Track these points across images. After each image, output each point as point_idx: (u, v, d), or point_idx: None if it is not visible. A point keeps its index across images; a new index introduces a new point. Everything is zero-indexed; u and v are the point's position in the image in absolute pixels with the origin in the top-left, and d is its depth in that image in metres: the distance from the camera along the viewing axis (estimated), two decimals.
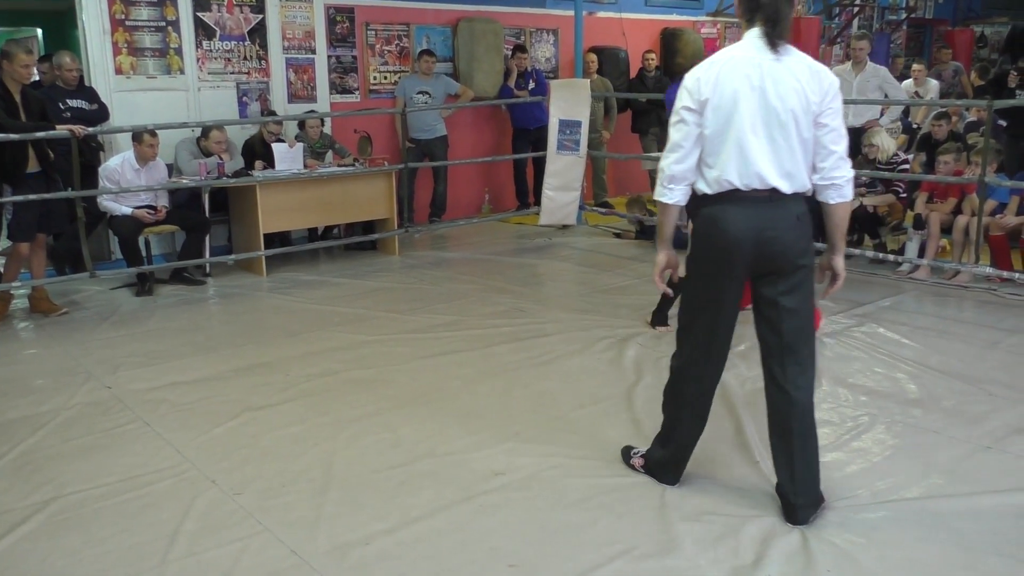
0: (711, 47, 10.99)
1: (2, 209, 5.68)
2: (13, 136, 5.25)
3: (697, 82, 2.70)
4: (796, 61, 2.69)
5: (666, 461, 3.16)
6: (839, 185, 2.75)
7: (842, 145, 2.74)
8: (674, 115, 2.74)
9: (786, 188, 2.70)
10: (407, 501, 3.13)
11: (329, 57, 8.02)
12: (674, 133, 2.77)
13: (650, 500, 3.09)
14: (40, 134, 5.41)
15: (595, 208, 8.57)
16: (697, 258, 2.85)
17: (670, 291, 3.16)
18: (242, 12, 7.43)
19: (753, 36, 2.70)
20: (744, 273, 2.80)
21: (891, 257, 6.43)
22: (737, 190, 2.71)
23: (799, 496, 2.87)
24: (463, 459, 3.46)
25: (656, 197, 2.83)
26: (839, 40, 12.06)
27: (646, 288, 6.11)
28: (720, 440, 3.55)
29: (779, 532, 2.86)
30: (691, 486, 3.18)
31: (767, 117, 2.65)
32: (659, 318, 5.11)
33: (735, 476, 3.27)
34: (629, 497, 3.12)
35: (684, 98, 2.73)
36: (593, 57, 8.94)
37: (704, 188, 2.77)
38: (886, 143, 6.65)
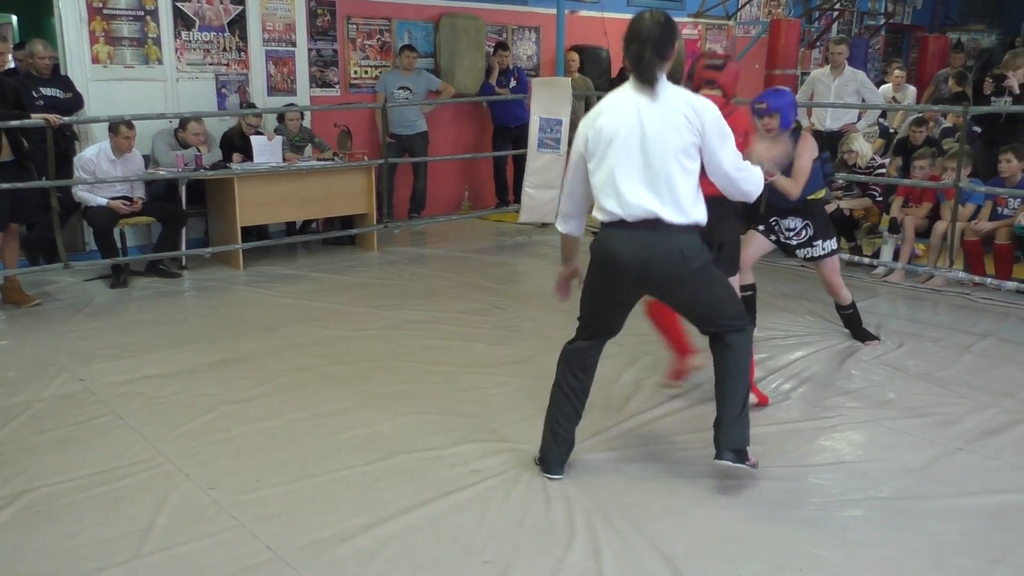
0: (692, 48, 11.03)
1: None
2: None
3: (588, 127, 3.00)
4: (673, 96, 2.91)
5: None
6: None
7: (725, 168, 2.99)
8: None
9: (667, 217, 2.92)
10: (383, 497, 3.12)
11: (310, 50, 7.97)
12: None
13: (627, 497, 3.11)
14: (14, 123, 5.34)
15: None
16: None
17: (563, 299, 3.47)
18: (222, 3, 7.36)
19: (631, 79, 2.96)
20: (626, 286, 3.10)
21: (866, 260, 6.50)
22: (619, 220, 3.02)
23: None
24: (439, 456, 3.46)
25: (563, 230, 3.21)
26: (818, 44, 12.16)
27: None
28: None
29: (751, 530, 2.88)
30: (666, 481, 3.20)
31: (647, 151, 2.88)
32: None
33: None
34: (603, 495, 3.13)
35: (575, 142, 3.09)
36: (575, 56, 8.95)
37: (602, 217, 3.09)
38: (864, 148, 6.72)
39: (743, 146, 3.32)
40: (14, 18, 10.80)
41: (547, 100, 7.53)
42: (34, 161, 5.58)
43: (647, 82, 2.89)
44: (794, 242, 4.74)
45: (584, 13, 9.83)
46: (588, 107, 9.05)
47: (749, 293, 4.69)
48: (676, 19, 10.20)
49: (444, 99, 8.49)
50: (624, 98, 2.94)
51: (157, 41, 7.08)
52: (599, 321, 3.25)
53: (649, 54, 2.85)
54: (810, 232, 4.66)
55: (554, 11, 8.50)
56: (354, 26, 8.27)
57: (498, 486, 3.20)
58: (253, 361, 4.57)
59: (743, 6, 11.37)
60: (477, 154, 8.88)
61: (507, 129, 8.72)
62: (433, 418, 3.83)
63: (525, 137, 7.75)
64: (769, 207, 4.73)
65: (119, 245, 6.37)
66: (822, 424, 3.78)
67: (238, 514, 2.99)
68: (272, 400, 4.04)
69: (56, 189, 5.70)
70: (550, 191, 7.64)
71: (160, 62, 7.12)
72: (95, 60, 6.81)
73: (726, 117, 3.08)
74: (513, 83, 8.73)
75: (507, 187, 8.94)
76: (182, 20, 7.18)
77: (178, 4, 7.13)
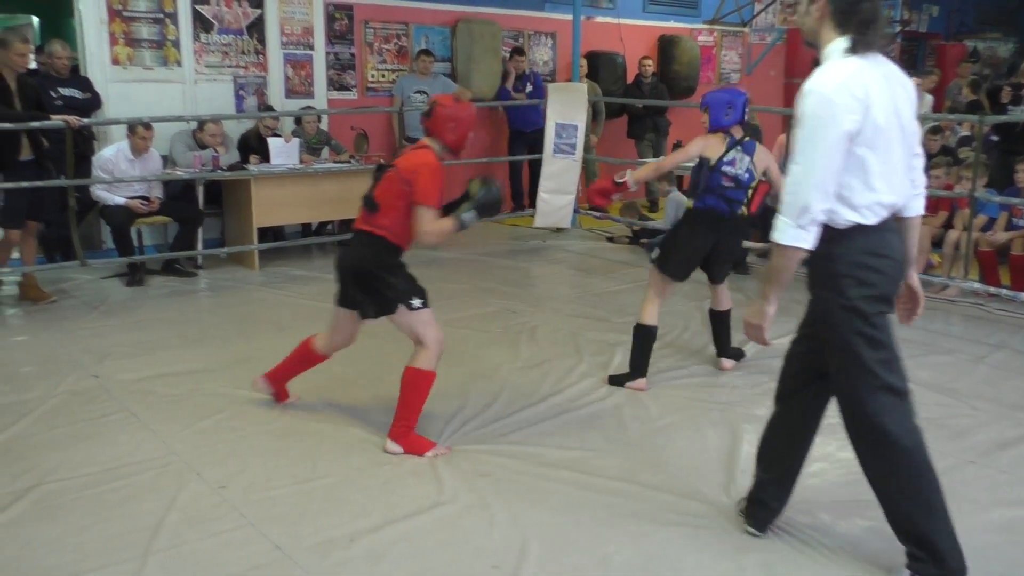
0: (708, 55, 11.03)
1: None
2: (7, 124, 5.23)
3: (848, 100, 2.31)
4: (894, 67, 2.48)
5: None
6: (923, 193, 2.66)
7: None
8: (817, 142, 2.31)
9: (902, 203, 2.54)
10: (391, 499, 3.13)
11: (327, 54, 8.02)
12: (813, 164, 2.33)
13: (631, 507, 3.10)
14: (35, 124, 5.39)
15: (589, 212, 8.58)
16: (862, 298, 2.46)
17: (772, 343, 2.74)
18: (240, 6, 7.42)
19: (845, 46, 2.38)
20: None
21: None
22: (891, 212, 2.47)
23: None
24: (449, 459, 3.46)
25: (788, 241, 2.37)
26: None
27: (638, 293, 6.11)
28: None
29: (762, 541, 2.87)
30: (672, 492, 3.20)
31: (900, 133, 2.43)
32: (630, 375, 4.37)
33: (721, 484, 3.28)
34: (613, 503, 3.13)
35: (834, 117, 2.30)
36: (583, 62, 8.97)
37: (859, 219, 2.41)
38: None
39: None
40: (35, 19, 10.93)
41: (563, 105, 7.54)
42: (53, 160, 5.64)
43: (879, 49, 2.42)
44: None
45: (600, 19, 9.84)
46: (596, 114, 9.13)
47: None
48: (692, 25, 10.17)
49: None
50: (868, 66, 2.37)
51: (176, 43, 7.14)
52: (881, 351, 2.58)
53: (880, 16, 2.40)
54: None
55: (570, 17, 8.51)
56: (371, 30, 8.31)
57: (508, 490, 3.20)
58: (266, 361, 4.56)
59: (759, 13, 11.35)
60: (492, 158, 8.90)
61: (523, 134, 8.73)
62: (444, 420, 3.83)
63: (541, 142, 7.76)
64: None
65: (136, 244, 6.43)
66: (834, 434, 3.75)
67: (248, 513, 3.00)
68: (284, 401, 4.05)
69: (74, 188, 5.75)
70: (565, 196, 7.65)
71: (179, 64, 7.18)
72: (115, 61, 6.87)
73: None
74: (529, 88, 8.74)
75: (522, 192, 8.95)
76: (201, 23, 7.23)
77: (197, 7, 7.19)
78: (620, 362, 4.62)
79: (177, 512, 3.00)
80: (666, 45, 10.37)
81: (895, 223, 2.50)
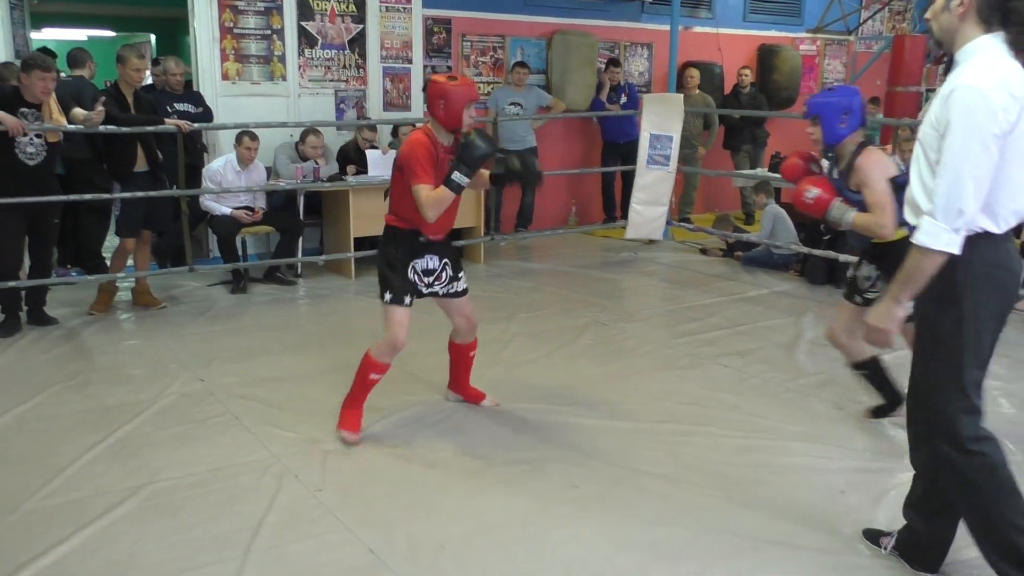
0: (810, 65, 10.77)
1: (112, 205, 5.97)
2: (124, 128, 5.49)
3: (1006, 98, 2.21)
4: None
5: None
6: None
7: None
8: (975, 141, 2.20)
9: None
10: (482, 506, 3.16)
11: (425, 67, 8.17)
12: (971, 163, 2.22)
13: (721, 519, 3.05)
14: (149, 128, 5.66)
15: (682, 224, 8.49)
16: (980, 313, 2.37)
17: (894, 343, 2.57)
18: (343, 22, 7.64)
19: (996, 43, 2.27)
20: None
21: None
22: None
23: None
24: (538, 468, 3.47)
25: (942, 247, 2.25)
26: (944, 60, 11.65)
27: (732, 307, 6.03)
28: None
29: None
30: (765, 510, 3.12)
31: None
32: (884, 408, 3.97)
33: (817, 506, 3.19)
34: (703, 516, 3.08)
35: (992, 117, 2.20)
36: (694, 72, 8.89)
37: (991, 226, 2.32)
38: None
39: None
40: (152, 37, 11.51)
41: (658, 116, 7.49)
42: (166, 171, 5.92)
43: None
44: (871, 296, 3.67)
45: (698, 29, 9.73)
46: (707, 125, 9.03)
47: (872, 372, 3.90)
48: (794, 34, 9.89)
49: (554, 114, 8.55)
50: (1018, 70, 2.26)
51: (282, 59, 7.40)
52: (983, 371, 2.49)
53: None
54: (884, 286, 3.50)
55: (667, 27, 8.45)
56: (468, 43, 8.44)
57: (598, 503, 3.19)
58: None
59: (865, 21, 11.02)
60: (585, 169, 8.90)
61: (616, 145, 8.70)
62: (532, 430, 3.85)
63: (634, 153, 7.71)
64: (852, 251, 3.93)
65: (240, 252, 6.68)
66: None
67: (343, 516, 3.08)
68: (378, 407, 4.12)
69: (185, 198, 6.02)
70: (658, 208, 7.58)
71: (284, 78, 7.44)
72: (224, 77, 7.17)
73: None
74: (624, 99, 8.71)
75: (615, 203, 8.92)
76: (306, 38, 7.48)
77: (303, 23, 7.44)
78: (712, 378, 4.55)
79: (276, 514, 3.10)
80: (766, 55, 10.18)
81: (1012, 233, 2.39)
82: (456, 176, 3.38)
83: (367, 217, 6.84)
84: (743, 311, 5.93)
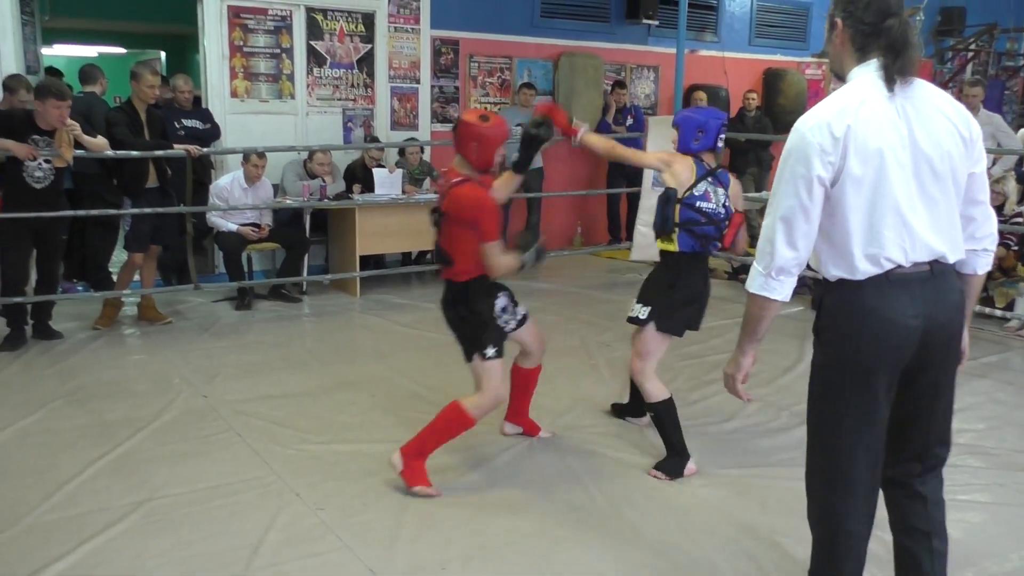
0: (815, 89, 10.81)
1: (120, 220, 6.00)
2: (134, 153, 5.55)
3: (824, 138, 2.04)
4: (934, 94, 2.16)
5: None
6: (989, 249, 2.25)
7: (988, 195, 2.26)
8: (787, 183, 2.08)
9: (950, 257, 2.13)
10: (484, 527, 3.14)
11: (432, 87, 8.22)
12: (783, 205, 2.10)
13: (720, 544, 3.03)
14: (159, 152, 5.70)
15: None
16: (842, 366, 2.16)
17: (750, 397, 2.49)
18: (352, 42, 7.69)
19: (869, 71, 2.11)
20: (896, 379, 2.16)
21: (999, 312, 6.15)
22: (898, 267, 2.08)
23: None
24: (541, 490, 3.46)
25: (755, 290, 2.16)
26: (951, 85, 11.69)
27: (735, 330, 5.99)
28: None
29: None
30: (766, 536, 3.10)
31: (922, 171, 2.08)
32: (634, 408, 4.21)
33: None
34: (702, 540, 3.06)
35: (807, 160, 2.05)
36: (703, 95, 8.94)
37: (843, 273, 2.12)
38: (1012, 192, 6.40)
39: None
40: (162, 54, 11.60)
41: (664, 139, 7.48)
42: (174, 187, 5.95)
43: (910, 70, 2.10)
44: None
45: (704, 52, 9.78)
46: None
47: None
48: (799, 59, 9.93)
49: (560, 136, 8.56)
50: (875, 99, 2.08)
51: (291, 77, 7.46)
52: (867, 452, 2.18)
53: (913, 35, 2.12)
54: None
55: (673, 50, 8.49)
56: (476, 64, 8.49)
57: (600, 524, 3.18)
58: (364, 386, 4.70)
59: None
60: (591, 191, 8.92)
61: (622, 166, 8.71)
62: (539, 450, 3.83)
63: (639, 175, 7.73)
64: None
65: (245, 269, 6.70)
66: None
67: (343, 535, 3.07)
68: (381, 425, 4.13)
69: (192, 214, 6.05)
70: None
71: (292, 97, 7.48)
72: (233, 94, 7.22)
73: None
74: (630, 121, 8.75)
75: (620, 224, 8.93)
76: (314, 58, 7.53)
77: (312, 42, 7.49)
78: (713, 401, 4.54)
79: (277, 531, 3.09)
80: (772, 78, 10.23)
81: (923, 277, 2.09)
82: (527, 258, 3.39)
83: (373, 235, 6.87)
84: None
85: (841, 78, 2.21)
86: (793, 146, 2.09)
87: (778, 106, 10.07)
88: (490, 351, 3.39)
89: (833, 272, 2.14)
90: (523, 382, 3.93)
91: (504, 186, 3.64)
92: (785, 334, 5.97)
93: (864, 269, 2.08)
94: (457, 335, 3.51)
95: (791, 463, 3.75)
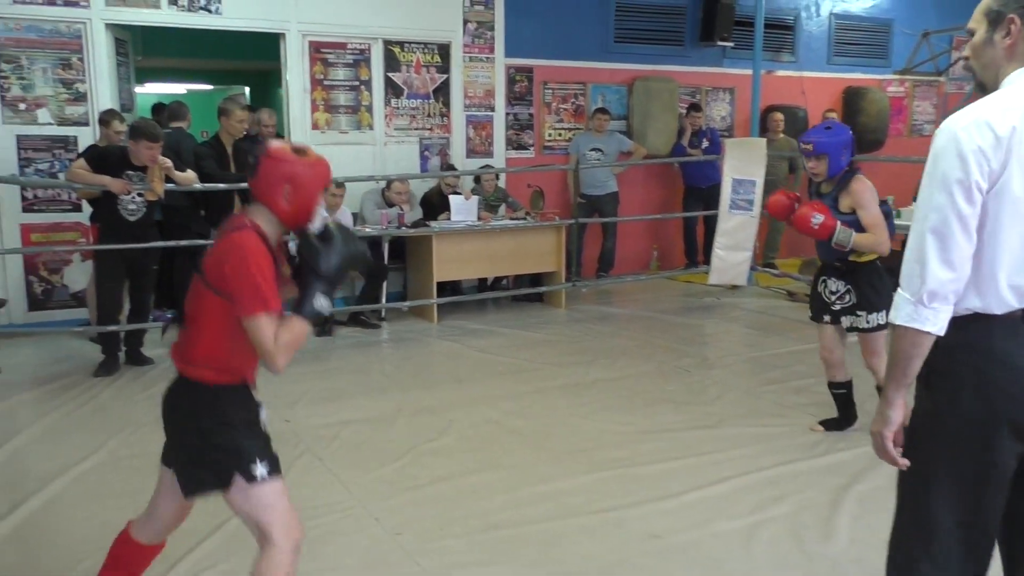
0: (898, 106, 10.55)
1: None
2: (221, 186, 5.75)
3: (983, 138, 1.73)
4: None
5: None
6: None
7: None
8: (938, 190, 1.76)
9: None
10: (561, 555, 3.12)
11: (507, 114, 8.31)
12: (932, 216, 1.77)
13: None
14: (243, 184, 5.90)
15: (766, 269, 8.34)
16: (954, 421, 1.83)
17: (906, 463, 1.90)
18: (428, 72, 7.84)
19: None
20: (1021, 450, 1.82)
21: None
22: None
23: None
24: (619, 518, 3.42)
25: (902, 321, 1.79)
26: None
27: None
28: None
29: None
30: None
31: None
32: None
33: None
34: (783, 567, 2.98)
35: (963, 162, 1.74)
36: (780, 116, 8.83)
37: (975, 304, 1.80)
38: None
39: None
40: (246, 89, 12.01)
41: (740, 161, 7.42)
42: None
43: None
44: (837, 307, 4.16)
45: (781, 73, 9.65)
46: (792, 169, 8.90)
47: (845, 391, 4.34)
48: (881, 76, 9.69)
49: (635, 160, 8.56)
50: None
51: (369, 108, 7.63)
52: (971, 539, 1.85)
53: None
54: (853, 299, 4.10)
55: (749, 72, 8.41)
56: (550, 91, 8.55)
57: (679, 555, 3.12)
58: (442, 412, 4.74)
59: (956, 62, 10.75)
60: (667, 215, 8.86)
61: (698, 189, 8.65)
62: (614, 479, 3.80)
63: (716, 198, 7.65)
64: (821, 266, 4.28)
65: None
66: None
67: (422, 561, 3.09)
68: (458, 451, 4.16)
69: None
70: (741, 253, 7.48)
71: (371, 127, 7.66)
72: (315, 126, 7.42)
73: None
74: (706, 144, 8.67)
75: (696, 248, 8.84)
76: (392, 89, 7.70)
77: (390, 74, 7.67)
78: (800, 429, 4.43)
79: (356, 556, 3.13)
80: (852, 97, 10.02)
81: None
82: (319, 304, 2.24)
83: (450, 262, 6.96)
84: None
85: (986, 89, 1.88)
86: (943, 147, 1.76)
87: (860, 125, 9.83)
88: (259, 468, 2.24)
89: (963, 304, 1.79)
90: (124, 555, 2.56)
91: (293, 342, 2.20)
92: None
93: (1005, 301, 1.78)
94: (181, 452, 2.36)
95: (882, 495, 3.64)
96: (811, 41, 9.92)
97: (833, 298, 4.17)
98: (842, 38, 10.13)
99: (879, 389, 3.66)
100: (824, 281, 4.22)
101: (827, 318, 4.21)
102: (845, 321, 4.15)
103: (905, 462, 1.87)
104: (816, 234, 3.96)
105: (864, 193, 3.94)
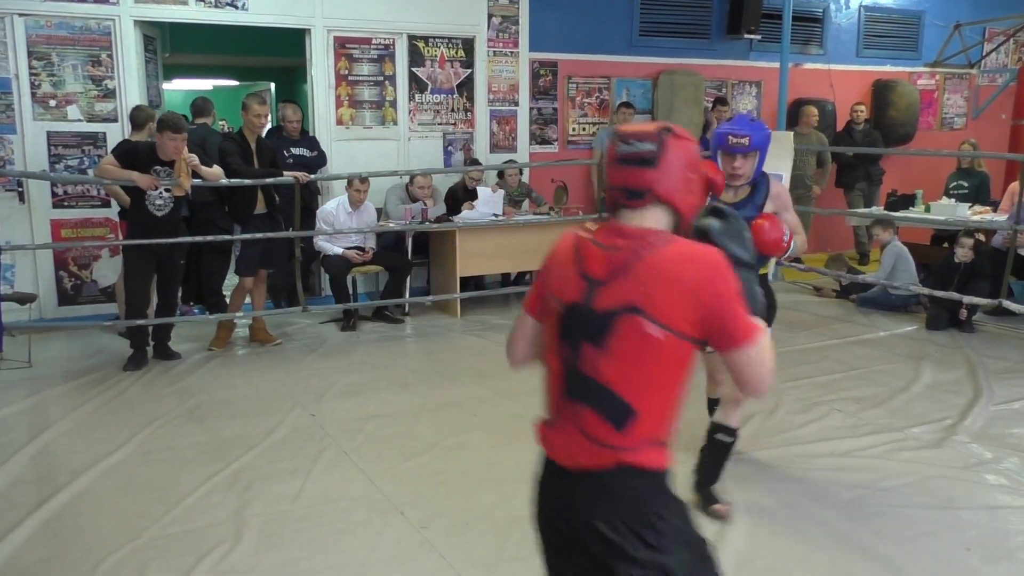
0: (928, 99, 10.40)
1: (232, 246, 6.26)
2: (247, 181, 5.79)
3: None
4: None
5: None
6: None
7: None
8: None
9: None
10: None
11: (531, 109, 8.28)
12: None
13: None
14: (269, 180, 5.93)
15: (793, 264, 8.25)
16: None
17: None
18: (452, 67, 7.84)
19: None
20: None
21: None
22: None
23: None
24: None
25: None
26: None
27: (846, 349, 5.81)
28: None
29: None
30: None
31: None
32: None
33: None
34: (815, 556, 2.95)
35: None
36: (814, 110, 8.74)
37: None
38: None
39: None
40: (272, 85, 12.08)
41: (767, 155, 7.33)
42: (282, 213, 6.16)
43: None
44: None
45: (809, 66, 9.55)
46: (820, 163, 8.81)
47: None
48: (911, 69, 9.55)
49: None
50: None
51: (393, 104, 7.64)
52: None
53: None
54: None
55: (777, 64, 8.33)
56: (574, 85, 8.51)
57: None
58: (466, 406, 4.74)
59: (989, 54, 10.59)
60: None
61: None
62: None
63: None
64: None
65: (350, 291, 6.87)
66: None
67: (447, 554, 3.09)
68: (483, 445, 4.16)
69: (299, 239, 6.25)
70: None
71: (395, 123, 7.67)
72: (339, 122, 7.44)
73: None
74: None
75: None
76: (416, 84, 7.71)
77: (414, 69, 7.67)
78: (825, 424, 4.38)
79: (382, 549, 3.14)
80: (881, 90, 9.89)
81: None
82: (758, 294, 1.89)
83: (473, 256, 6.96)
84: (858, 354, 5.71)
85: None
86: None
87: (889, 118, 9.73)
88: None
89: None
90: None
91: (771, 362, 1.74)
92: (899, 354, 5.75)
93: None
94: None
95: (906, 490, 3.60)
96: (840, 33, 9.80)
97: None
98: (872, 30, 10.00)
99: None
100: None
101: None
102: None
103: None
104: (783, 248, 3.43)
105: (786, 195, 3.74)
